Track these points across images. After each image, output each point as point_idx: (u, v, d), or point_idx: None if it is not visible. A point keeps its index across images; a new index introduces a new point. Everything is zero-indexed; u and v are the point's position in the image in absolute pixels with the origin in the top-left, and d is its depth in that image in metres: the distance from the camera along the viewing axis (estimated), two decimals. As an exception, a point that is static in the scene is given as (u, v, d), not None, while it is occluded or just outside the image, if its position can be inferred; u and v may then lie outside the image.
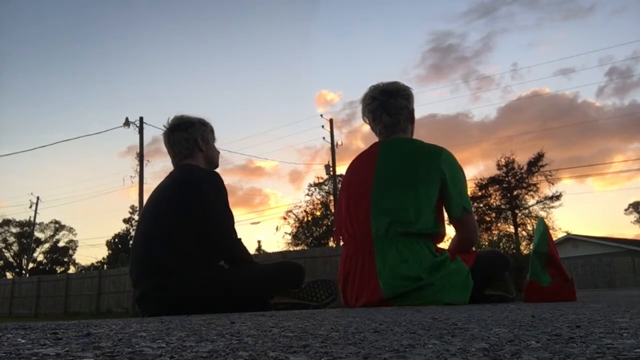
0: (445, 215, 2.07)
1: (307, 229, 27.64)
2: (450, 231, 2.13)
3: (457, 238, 2.12)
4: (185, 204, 1.98)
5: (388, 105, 2.13)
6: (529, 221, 24.93)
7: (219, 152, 2.32)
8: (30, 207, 33.38)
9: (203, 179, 2.05)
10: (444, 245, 2.10)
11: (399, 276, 1.89)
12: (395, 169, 2.03)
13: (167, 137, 2.22)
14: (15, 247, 42.47)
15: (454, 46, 46.30)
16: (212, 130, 2.29)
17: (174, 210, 1.99)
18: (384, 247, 1.93)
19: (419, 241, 1.93)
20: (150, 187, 18.26)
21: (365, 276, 1.95)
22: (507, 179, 25.54)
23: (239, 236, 2.06)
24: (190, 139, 2.19)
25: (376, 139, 2.21)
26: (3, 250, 42.50)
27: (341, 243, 2.16)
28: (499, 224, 25.17)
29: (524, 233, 23.99)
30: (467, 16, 47.95)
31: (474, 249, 2.18)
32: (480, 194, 25.76)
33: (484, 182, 25.83)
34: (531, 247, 2.75)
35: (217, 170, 2.25)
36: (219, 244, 1.99)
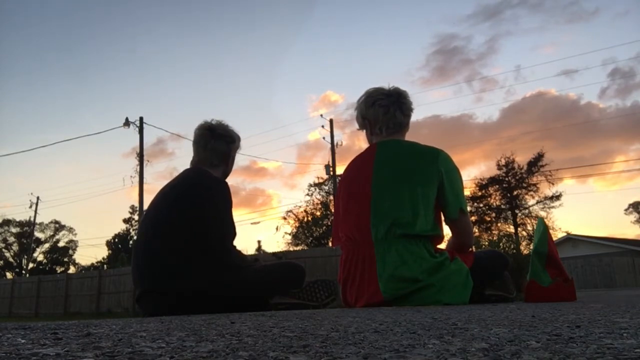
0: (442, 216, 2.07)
1: (307, 229, 27.62)
2: (447, 231, 2.13)
3: (453, 241, 2.12)
4: (190, 206, 1.99)
5: (403, 104, 2.15)
6: (529, 221, 24.95)
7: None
8: (30, 207, 33.36)
9: (211, 186, 2.06)
10: (443, 244, 2.10)
11: (398, 278, 1.89)
12: (394, 170, 2.02)
13: (206, 140, 2.18)
14: (15, 247, 42.44)
15: (459, 48, 46.30)
16: (239, 147, 2.32)
17: (178, 211, 1.99)
18: (384, 250, 1.93)
19: (418, 243, 1.93)
20: (150, 187, 18.29)
21: (366, 279, 1.95)
22: (507, 179, 25.55)
23: (234, 244, 2.06)
24: (226, 154, 2.21)
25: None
26: (3, 250, 42.50)
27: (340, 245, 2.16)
28: (499, 224, 25.21)
29: (524, 233, 24.01)
30: (472, 19, 47.86)
31: (472, 248, 2.18)
32: (480, 194, 25.76)
33: (484, 182, 25.84)
34: (531, 247, 2.74)
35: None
36: (215, 251, 1.99)
